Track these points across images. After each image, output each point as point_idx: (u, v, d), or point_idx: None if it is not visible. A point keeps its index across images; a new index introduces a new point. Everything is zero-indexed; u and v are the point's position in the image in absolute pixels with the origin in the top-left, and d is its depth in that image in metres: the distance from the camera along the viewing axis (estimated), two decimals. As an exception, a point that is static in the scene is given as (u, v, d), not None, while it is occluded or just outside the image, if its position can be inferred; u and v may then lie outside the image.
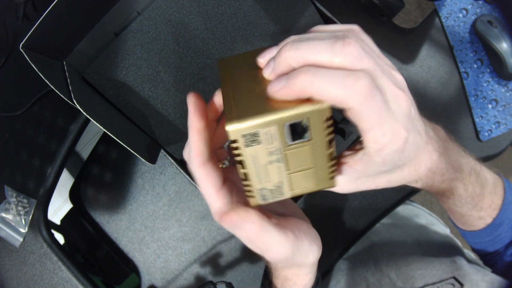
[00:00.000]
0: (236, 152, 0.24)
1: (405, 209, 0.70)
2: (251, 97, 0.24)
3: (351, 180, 0.27)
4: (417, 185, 0.32)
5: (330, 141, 0.24)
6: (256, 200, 0.26)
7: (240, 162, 0.24)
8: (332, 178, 0.26)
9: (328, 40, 0.22)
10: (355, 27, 0.25)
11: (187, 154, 0.28)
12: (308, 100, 0.23)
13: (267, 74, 0.25)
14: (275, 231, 0.26)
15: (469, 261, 0.46)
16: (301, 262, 0.30)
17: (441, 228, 0.63)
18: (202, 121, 0.26)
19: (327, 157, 0.25)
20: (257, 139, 0.23)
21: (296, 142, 0.24)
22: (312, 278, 0.35)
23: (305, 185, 0.26)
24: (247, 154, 0.24)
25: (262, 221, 0.26)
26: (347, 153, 0.28)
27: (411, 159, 0.27)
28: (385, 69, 0.23)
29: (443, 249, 0.50)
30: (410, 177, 0.30)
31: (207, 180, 0.27)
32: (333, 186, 0.27)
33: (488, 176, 0.39)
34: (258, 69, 0.26)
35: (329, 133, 0.24)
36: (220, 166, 0.28)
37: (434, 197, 0.38)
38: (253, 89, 0.25)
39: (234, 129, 0.23)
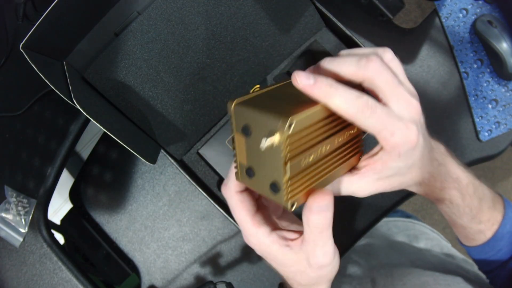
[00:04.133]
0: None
1: (406, 228, 0.71)
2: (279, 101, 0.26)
3: (371, 181, 0.30)
4: (420, 189, 0.35)
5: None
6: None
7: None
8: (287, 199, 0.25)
9: (356, 57, 0.27)
10: (385, 49, 0.28)
11: (226, 181, 0.30)
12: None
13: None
14: (331, 233, 0.28)
15: (469, 280, 0.46)
16: (327, 274, 0.31)
17: (441, 248, 0.64)
18: None
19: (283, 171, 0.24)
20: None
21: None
22: None
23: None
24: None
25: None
26: (364, 157, 0.31)
27: (419, 159, 0.30)
28: (401, 83, 0.27)
29: (440, 272, 0.51)
30: (416, 179, 0.32)
31: (241, 205, 0.29)
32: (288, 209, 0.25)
33: (487, 192, 0.41)
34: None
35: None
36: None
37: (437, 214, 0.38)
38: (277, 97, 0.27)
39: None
